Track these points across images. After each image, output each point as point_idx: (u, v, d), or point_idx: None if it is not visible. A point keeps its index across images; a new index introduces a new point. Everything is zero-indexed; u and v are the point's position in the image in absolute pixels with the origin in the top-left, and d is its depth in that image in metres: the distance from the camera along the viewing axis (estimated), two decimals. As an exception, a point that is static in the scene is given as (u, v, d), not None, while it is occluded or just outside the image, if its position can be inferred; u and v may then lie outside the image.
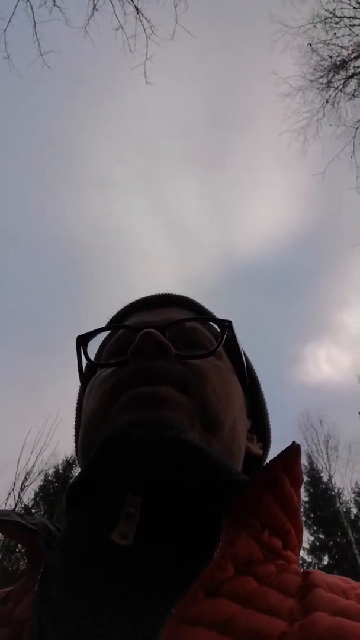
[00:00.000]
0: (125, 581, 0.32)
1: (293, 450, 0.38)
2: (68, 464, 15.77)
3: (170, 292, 0.63)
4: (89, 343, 0.55)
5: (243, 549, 0.35)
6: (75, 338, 0.54)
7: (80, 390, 0.59)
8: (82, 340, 0.55)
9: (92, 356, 0.56)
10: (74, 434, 0.59)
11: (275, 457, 0.38)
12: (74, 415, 0.61)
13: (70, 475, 15.18)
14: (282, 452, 0.38)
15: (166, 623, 0.28)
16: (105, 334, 0.59)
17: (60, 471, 15.66)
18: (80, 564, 0.35)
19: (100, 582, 0.33)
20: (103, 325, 0.62)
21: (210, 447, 0.43)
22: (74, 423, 0.60)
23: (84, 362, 0.55)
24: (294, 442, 0.38)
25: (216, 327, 0.56)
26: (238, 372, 0.57)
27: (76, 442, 0.55)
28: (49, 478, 15.64)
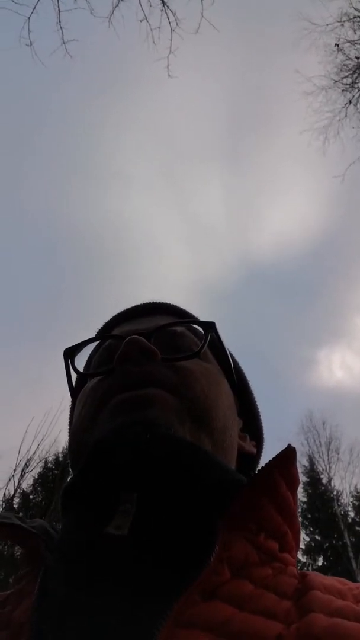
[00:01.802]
0: (121, 579, 0.32)
1: (288, 453, 0.38)
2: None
3: (155, 301, 0.63)
4: (77, 356, 0.55)
5: (239, 552, 0.35)
6: (63, 351, 0.54)
7: (71, 403, 0.59)
8: (70, 353, 0.54)
9: (80, 368, 0.56)
10: (67, 444, 0.59)
11: (270, 460, 0.38)
12: (67, 428, 0.60)
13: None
14: (277, 455, 0.38)
15: (163, 626, 0.28)
16: (93, 345, 0.59)
17: (61, 459, 15.78)
18: (77, 561, 0.35)
19: (97, 580, 0.33)
20: (92, 336, 0.62)
21: (201, 443, 0.43)
22: (68, 434, 0.60)
23: (73, 374, 0.55)
24: (289, 445, 0.39)
25: (200, 329, 0.56)
26: (226, 372, 0.57)
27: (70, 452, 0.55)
28: (49, 465, 15.75)
